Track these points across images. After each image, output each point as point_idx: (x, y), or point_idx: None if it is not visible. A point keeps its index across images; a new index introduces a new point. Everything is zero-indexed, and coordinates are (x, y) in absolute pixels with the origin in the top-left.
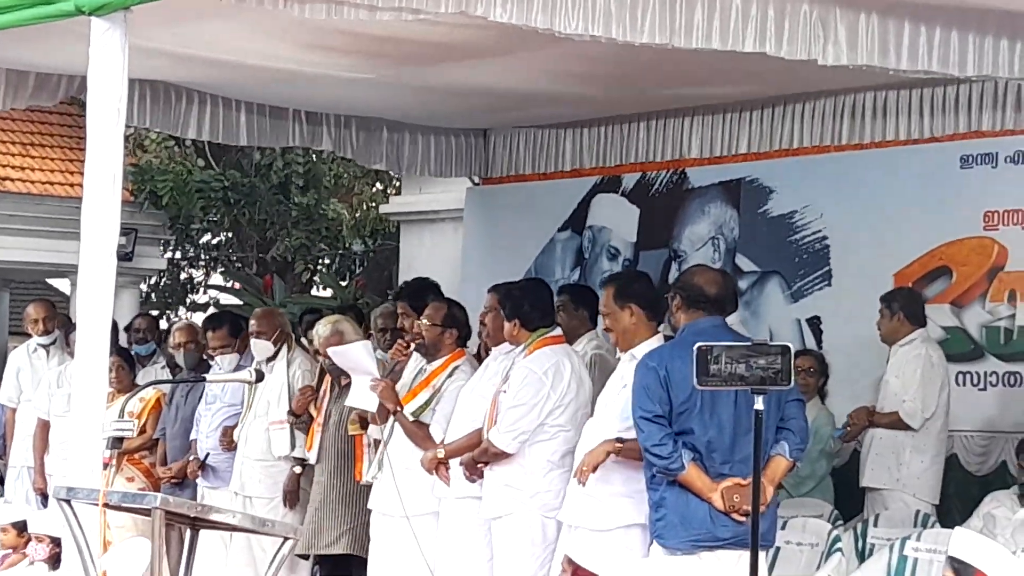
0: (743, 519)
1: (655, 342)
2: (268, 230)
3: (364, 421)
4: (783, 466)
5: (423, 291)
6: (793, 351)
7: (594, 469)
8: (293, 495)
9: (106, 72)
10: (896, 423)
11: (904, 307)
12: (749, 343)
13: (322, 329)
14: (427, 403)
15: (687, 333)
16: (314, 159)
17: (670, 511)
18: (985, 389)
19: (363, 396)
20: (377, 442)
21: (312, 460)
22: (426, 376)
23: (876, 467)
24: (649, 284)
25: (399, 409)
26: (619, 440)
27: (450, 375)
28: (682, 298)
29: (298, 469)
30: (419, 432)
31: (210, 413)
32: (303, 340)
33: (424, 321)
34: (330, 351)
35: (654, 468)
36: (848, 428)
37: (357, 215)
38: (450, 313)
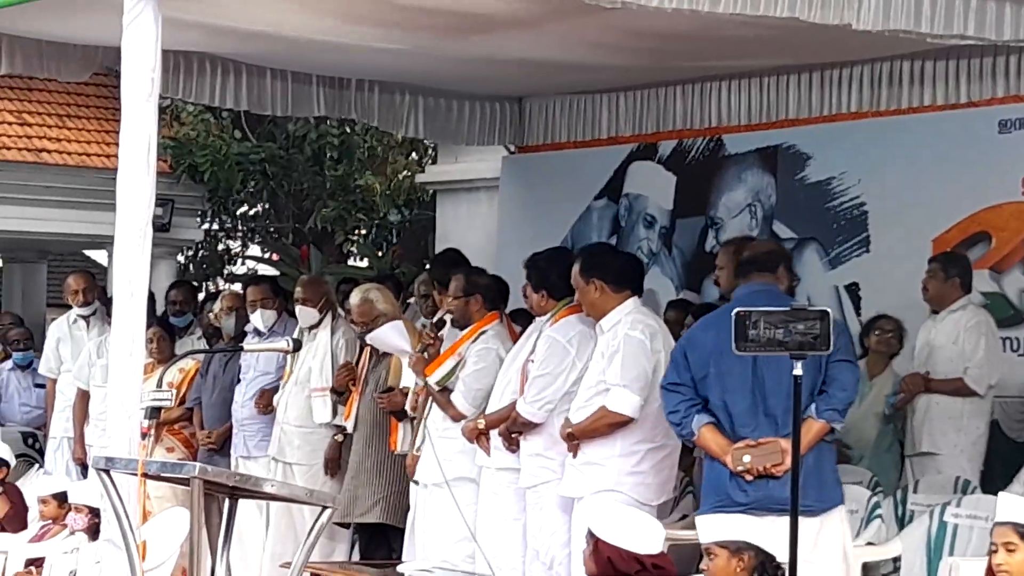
0: (749, 479)
1: (624, 309)
2: (304, 201)
3: (400, 412)
4: (814, 428)
5: (448, 266)
6: (832, 316)
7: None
8: (334, 463)
9: (139, 43)
10: (961, 390)
11: (962, 273)
12: (787, 308)
13: (353, 298)
14: (452, 371)
15: (735, 301)
16: (348, 131)
17: (704, 478)
18: None
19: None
20: (412, 415)
21: (350, 428)
22: (453, 344)
23: (934, 432)
24: (612, 256)
25: (424, 379)
26: (568, 434)
27: (475, 340)
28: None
29: (339, 437)
30: (441, 399)
31: (245, 382)
32: (340, 309)
33: (448, 297)
34: (367, 338)
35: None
36: (901, 394)
37: (392, 184)
38: (470, 281)
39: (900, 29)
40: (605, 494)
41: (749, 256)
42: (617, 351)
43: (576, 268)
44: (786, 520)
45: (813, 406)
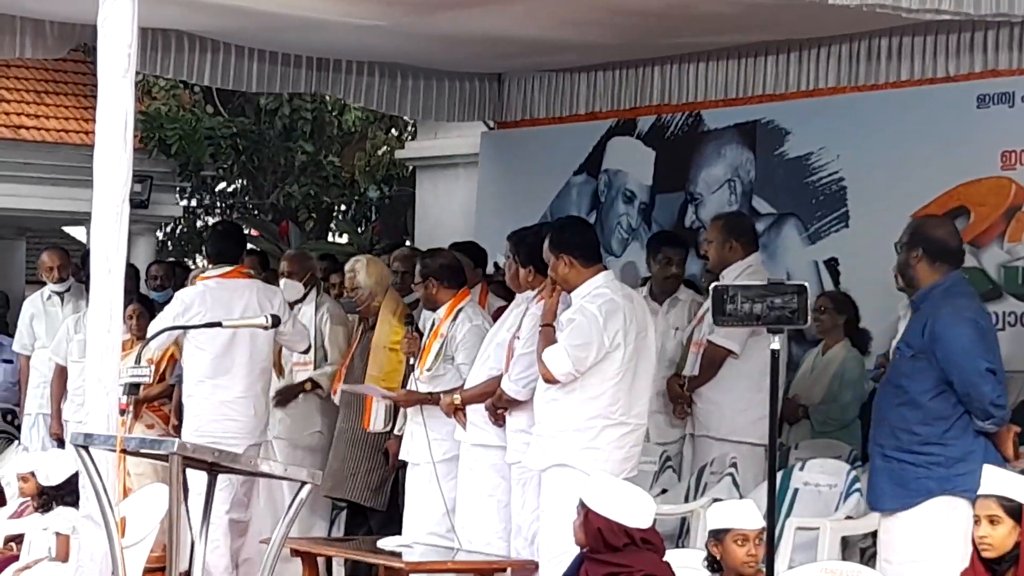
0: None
1: (594, 283)
2: (278, 176)
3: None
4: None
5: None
6: (809, 290)
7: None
8: (284, 399)
9: (116, 19)
10: None
11: None
12: (765, 282)
13: (354, 265)
14: (439, 353)
15: (961, 287)
16: (321, 106)
17: (978, 467)
18: (1003, 329)
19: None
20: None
21: (336, 400)
22: (434, 328)
23: None
24: (581, 230)
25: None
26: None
27: (454, 319)
28: (925, 251)
29: (308, 386)
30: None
31: None
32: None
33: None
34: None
35: (986, 421)
36: (881, 369)
37: (371, 161)
38: (423, 265)
39: (877, 4)
40: (560, 468)
41: (956, 246)
42: (573, 320)
43: (546, 243)
44: None
45: None
